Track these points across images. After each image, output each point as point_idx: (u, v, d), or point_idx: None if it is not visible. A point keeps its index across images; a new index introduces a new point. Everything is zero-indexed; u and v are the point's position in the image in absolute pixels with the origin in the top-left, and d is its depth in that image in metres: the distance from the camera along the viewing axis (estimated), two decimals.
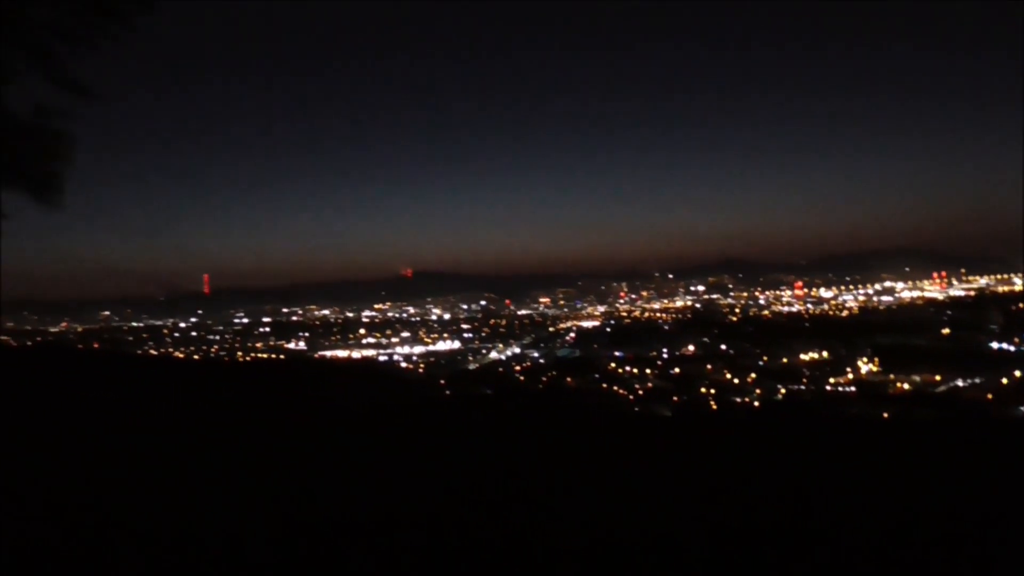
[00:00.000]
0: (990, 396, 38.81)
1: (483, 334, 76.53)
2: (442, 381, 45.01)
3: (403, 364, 60.73)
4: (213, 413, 7.96)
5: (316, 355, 66.70)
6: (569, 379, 50.89)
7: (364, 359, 64.55)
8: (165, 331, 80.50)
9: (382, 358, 65.65)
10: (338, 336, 77.54)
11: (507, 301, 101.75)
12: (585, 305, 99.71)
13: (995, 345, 52.79)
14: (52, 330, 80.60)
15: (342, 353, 67.83)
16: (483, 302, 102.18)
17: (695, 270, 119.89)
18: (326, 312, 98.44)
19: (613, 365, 54.72)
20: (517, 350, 67.35)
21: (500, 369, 58.88)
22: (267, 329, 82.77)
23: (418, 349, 70.27)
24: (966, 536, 4.17)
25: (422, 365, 61.33)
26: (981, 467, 6.03)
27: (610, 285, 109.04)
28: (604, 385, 48.36)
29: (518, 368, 57.94)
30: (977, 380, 41.81)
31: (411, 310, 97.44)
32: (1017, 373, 42.57)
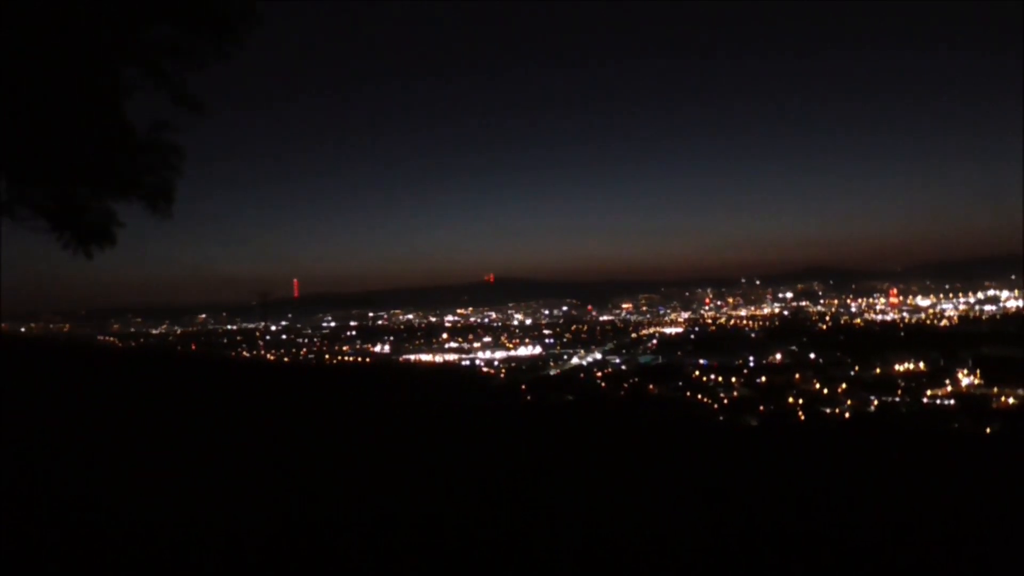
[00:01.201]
0: None
1: (564, 340, 76.38)
2: (523, 387, 45.11)
3: (484, 369, 61.09)
4: (291, 417, 8.16)
5: (400, 359, 67.85)
6: (651, 386, 50.15)
7: (446, 363, 65.28)
8: (257, 334, 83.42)
9: (464, 363, 66.21)
10: (421, 340, 78.73)
11: (589, 307, 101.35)
12: (668, 311, 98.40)
13: None
14: (153, 332, 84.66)
15: (425, 357, 68.78)
16: (565, 308, 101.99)
17: (783, 277, 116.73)
18: (410, 316, 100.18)
19: (697, 373, 53.70)
20: (599, 356, 66.92)
21: (581, 375, 58.56)
22: (353, 333, 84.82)
23: (499, 354, 70.61)
24: None
25: (503, 370, 61.62)
26: None
27: (694, 291, 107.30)
28: (688, 393, 47.49)
29: (599, 374, 57.50)
30: None
31: (493, 315, 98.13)
32: None
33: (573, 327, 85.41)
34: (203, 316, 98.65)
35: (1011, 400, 40.81)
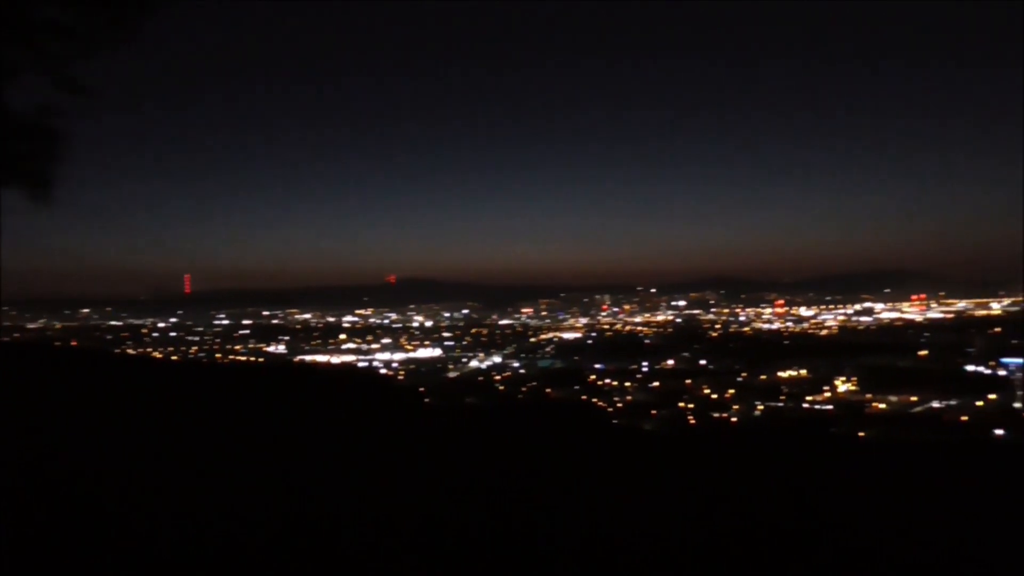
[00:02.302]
0: (965, 418, 39.25)
1: (465, 343, 76.45)
2: (421, 389, 44.91)
3: (383, 371, 60.46)
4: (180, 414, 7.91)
5: (295, 359, 66.33)
6: (550, 390, 50.88)
7: (343, 364, 64.22)
8: (144, 330, 79.82)
9: (362, 364, 65.31)
10: (318, 340, 77.25)
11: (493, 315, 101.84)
12: (568, 317, 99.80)
13: (971, 368, 53.38)
14: (30, 327, 79.66)
15: (322, 358, 67.44)
16: (466, 311, 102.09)
17: (678, 286, 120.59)
18: (307, 316, 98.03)
19: (594, 377, 54.82)
20: (498, 360, 67.29)
21: (480, 378, 58.79)
22: (248, 332, 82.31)
23: (399, 356, 70.03)
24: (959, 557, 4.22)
25: (402, 372, 61.15)
26: (972, 491, 6.09)
27: (593, 298, 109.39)
28: (584, 397, 48.41)
29: (498, 378, 57.89)
30: (953, 402, 42.28)
31: (393, 316, 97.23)
32: (992, 396, 43.12)
33: (474, 330, 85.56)
34: (86, 311, 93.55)
35: (883, 405, 43.46)
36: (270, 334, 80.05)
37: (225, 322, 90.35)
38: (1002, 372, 50.84)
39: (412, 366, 64.99)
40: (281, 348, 73.38)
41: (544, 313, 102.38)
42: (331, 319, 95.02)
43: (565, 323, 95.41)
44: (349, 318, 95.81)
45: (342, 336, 79.58)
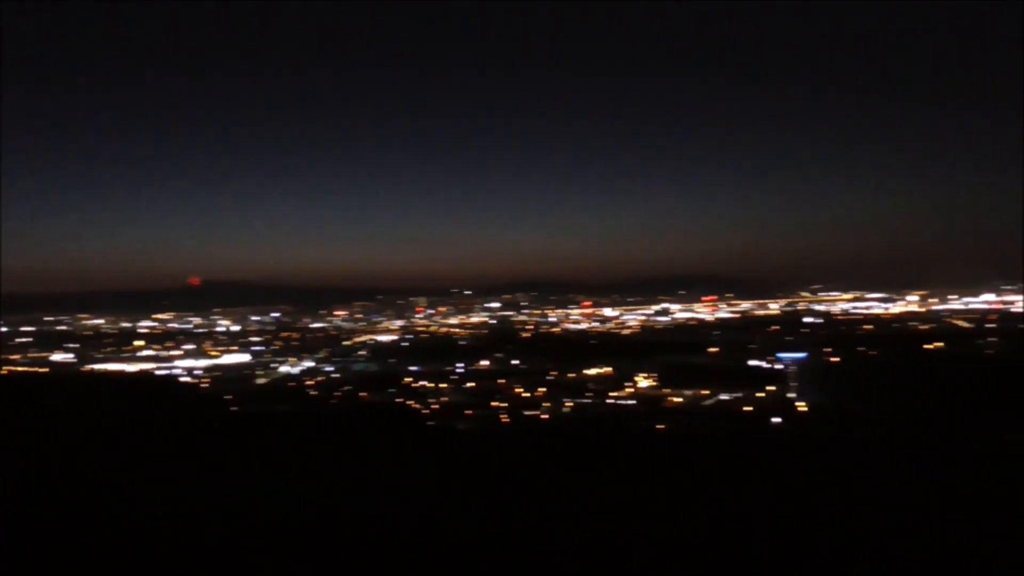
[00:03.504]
0: (749, 408, 43.07)
1: (275, 347, 73.94)
2: (228, 396, 42.80)
3: (184, 378, 57.01)
4: None
5: (85, 368, 61.08)
6: (364, 394, 50.28)
7: (141, 372, 59.90)
8: None
9: (160, 372, 61.23)
10: (112, 348, 71.61)
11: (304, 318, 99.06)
12: (383, 319, 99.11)
13: (753, 363, 58.68)
14: None
15: (116, 366, 62.52)
16: (276, 314, 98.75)
17: (492, 288, 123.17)
18: (100, 321, 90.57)
19: (409, 380, 54.76)
20: (311, 364, 65.54)
21: (292, 384, 57.00)
22: (29, 339, 74.85)
23: (203, 363, 66.26)
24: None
25: (207, 379, 57.92)
26: (753, 473, 6.69)
27: (408, 300, 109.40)
28: (400, 399, 48.24)
29: (311, 383, 56.41)
30: (739, 394, 46.16)
31: (197, 321, 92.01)
32: (771, 388, 47.62)
33: (284, 334, 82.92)
34: None
35: (679, 399, 46.69)
36: (55, 341, 73.12)
37: (3, 329, 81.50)
38: (779, 366, 56.39)
39: (218, 373, 61.68)
40: (68, 356, 67.24)
41: (358, 316, 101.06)
42: (126, 324, 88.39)
43: (380, 325, 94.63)
44: (147, 323, 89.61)
45: (138, 343, 74.19)
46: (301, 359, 67.42)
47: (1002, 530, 4.59)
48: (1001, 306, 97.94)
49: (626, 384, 50.71)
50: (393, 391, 50.87)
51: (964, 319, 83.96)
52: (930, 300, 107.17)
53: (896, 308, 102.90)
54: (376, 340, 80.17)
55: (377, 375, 58.34)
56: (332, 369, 62.16)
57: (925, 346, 64.85)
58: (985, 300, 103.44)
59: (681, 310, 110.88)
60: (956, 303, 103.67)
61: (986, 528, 4.69)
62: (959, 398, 39.33)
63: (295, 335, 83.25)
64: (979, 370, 52.34)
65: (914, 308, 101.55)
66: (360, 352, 72.55)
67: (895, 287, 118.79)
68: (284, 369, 63.89)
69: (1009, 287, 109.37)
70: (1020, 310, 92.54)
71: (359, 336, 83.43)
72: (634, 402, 46.36)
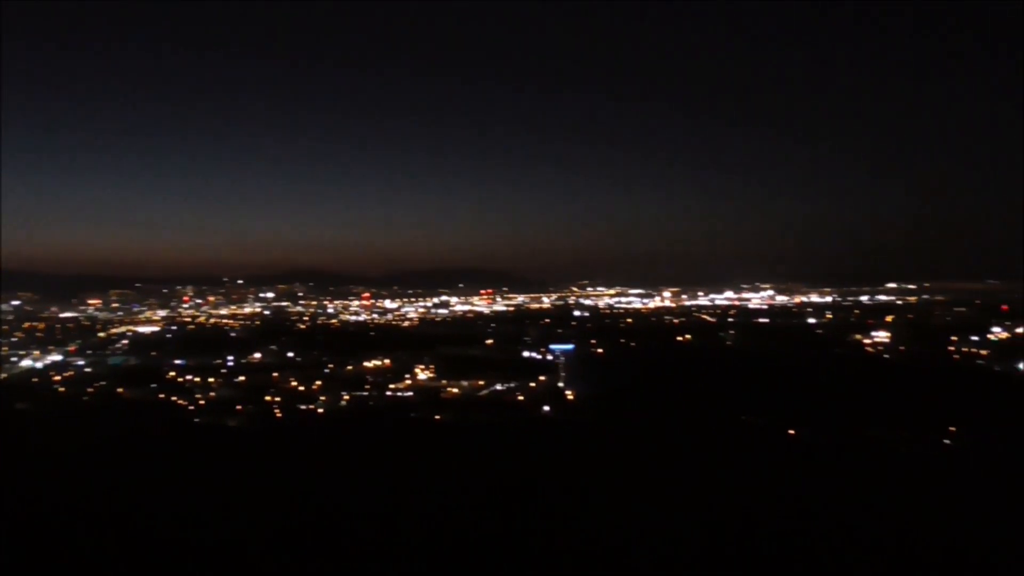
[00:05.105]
0: (522, 398, 45.08)
1: (15, 339, 66.42)
2: None
3: None
4: None
5: None
6: (122, 390, 46.65)
7: None
8: None
9: None
10: None
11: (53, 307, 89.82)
12: (144, 309, 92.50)
13: (527, 354, 61.49)
14: None
15: None
16: (17, 302, 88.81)
17: (267, 278, 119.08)
18: None
19: (174, 374, 51.56)
20: (59, 357, 59.57)
21: (36, 379, 51.46)
22: None
23: None
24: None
25: None
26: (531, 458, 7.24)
27: (174, 289, 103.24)
28: (163, 395, 45.33)
29: (58, 378, 51.26)
30: (512, 384, 48.13)
31: None
32: (542, 378, 50.13)
33: (27, 324, 74.82)
34: None
35: (456, 390, 47.84)
36: None
37: None
38: (550, 357, 59.56)
39: None
40: None
41: (116, 305, 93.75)
42: None
43: (141, 316, 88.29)
44: None
45: None
46: (47, 352, 61.07)
47: (742, 499, 5.42)
48: (739, 303, 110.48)
49: (405, 376, 51.08)
50: (155, 386, 47.62)
51: (709, 314, 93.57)
52: (682, 296, 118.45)
53: (653, 303, 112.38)
54: (136, 331, 74.63)
55: (137, 369, 54.29)
56: (84, 363, 56.87)
57: (677, 338, 71.50)
58: (727, 297, 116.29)
59: (460, 303, 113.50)
60: (703, 299, 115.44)
61: (727, 497, 5.50)
62: (704, 386, 43.93)
63: (40, 325, 75.41)
64: (720, 360, 58.80)
65: (668, 304, 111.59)
66: (118, 344, 67.11)
67: (653, 284, 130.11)
68: (27, 363, 57.54)
69: (746, 286, 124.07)
70: (755, 306, 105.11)
71: (116, 327, 77.24)
72: (412, 394, 46.84)
